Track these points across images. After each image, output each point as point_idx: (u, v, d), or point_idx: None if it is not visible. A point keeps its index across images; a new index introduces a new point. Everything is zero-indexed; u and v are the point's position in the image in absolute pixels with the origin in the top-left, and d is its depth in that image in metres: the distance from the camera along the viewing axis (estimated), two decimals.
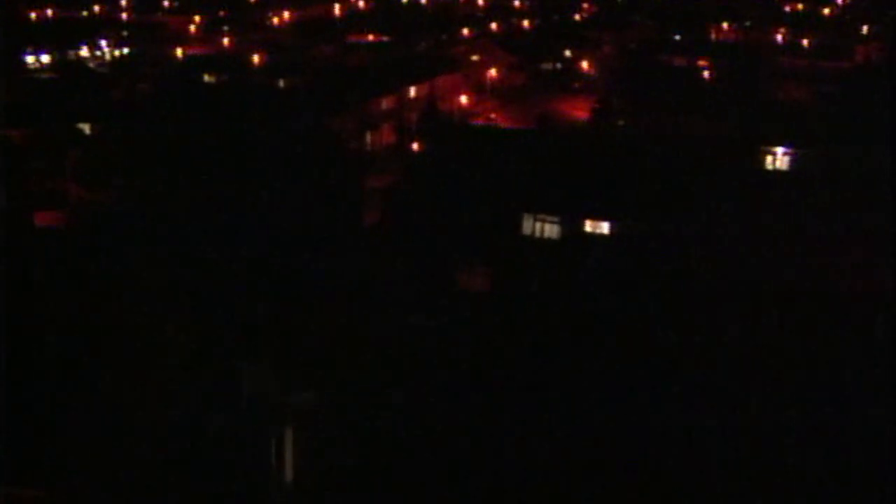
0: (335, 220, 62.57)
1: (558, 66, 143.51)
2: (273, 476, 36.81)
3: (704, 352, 46.79)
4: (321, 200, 64.29)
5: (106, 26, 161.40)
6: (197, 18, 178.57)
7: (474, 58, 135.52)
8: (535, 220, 61.46)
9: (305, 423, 38.09)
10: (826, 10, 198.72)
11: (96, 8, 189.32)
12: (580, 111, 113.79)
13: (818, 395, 43.49)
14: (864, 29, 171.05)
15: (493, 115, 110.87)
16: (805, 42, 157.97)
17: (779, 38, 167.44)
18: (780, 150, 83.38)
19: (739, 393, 43.56)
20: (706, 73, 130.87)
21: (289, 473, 37.11)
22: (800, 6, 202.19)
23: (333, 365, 42.41)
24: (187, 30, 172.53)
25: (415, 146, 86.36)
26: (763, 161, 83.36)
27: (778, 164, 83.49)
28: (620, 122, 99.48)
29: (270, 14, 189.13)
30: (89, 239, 57.18)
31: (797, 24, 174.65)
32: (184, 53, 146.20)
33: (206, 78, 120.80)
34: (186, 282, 49.59)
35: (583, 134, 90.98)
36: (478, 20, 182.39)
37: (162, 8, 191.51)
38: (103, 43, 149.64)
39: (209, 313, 45.98)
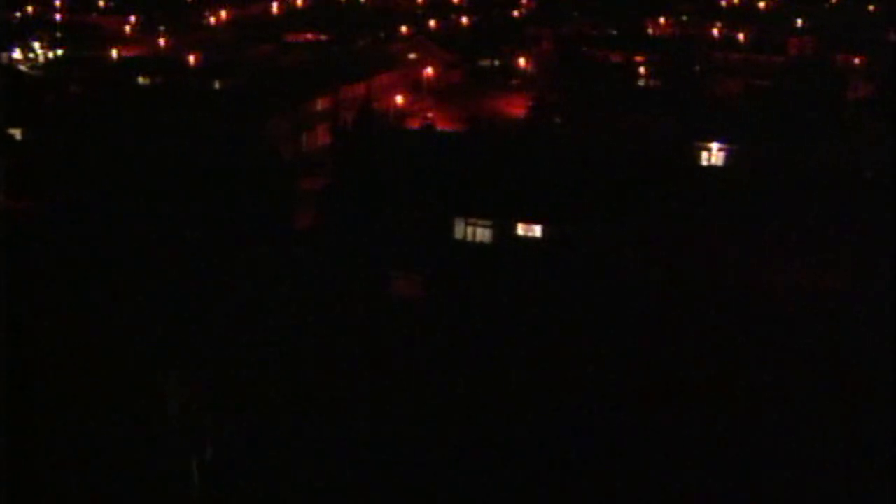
0: (267, 225, 61.97)
1: (496, 63, 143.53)
2: (195, 499, 36.29)
3: (641, 355, 46.87)
4: (253, 204, 63.65)
5: (39, 27, 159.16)
6: (132, 19, 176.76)
7: (412, 56, 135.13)
8: (467, 224, 61.15)
9: (229, 443, 37.64)
10: (762, 4, 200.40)
11: (29, 9, 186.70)
12: (517, 108, 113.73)
13: (753, 395, 43.86)
14: (798, 22, 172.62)
15: (429, 115, 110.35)
16: (741, 36, 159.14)
17: (715, 32, 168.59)
18: (714, 146, 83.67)
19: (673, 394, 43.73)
20: (642, 69, 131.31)
21: (212, 494, 36.60)
22: (736, 0, 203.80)
23: (260, 381, 42.02)
24: (122, 30, 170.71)
25: (349, 148, 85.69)
26: (698, 157, 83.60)
27: (713, 160, 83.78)
28: (557, 120, 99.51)
29: (207, 14, 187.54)
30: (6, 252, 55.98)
31: (733, 19, 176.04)
32: (119, 55, 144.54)
33: (141, 80, 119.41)
34: (110, 295, 48.89)
35: (516, 134, 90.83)
36: (416, 18, 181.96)
37: (97, 8, 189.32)
38: (36, 45, 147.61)
39: (133, 327, 45.34)
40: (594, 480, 38.46)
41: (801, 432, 41.32)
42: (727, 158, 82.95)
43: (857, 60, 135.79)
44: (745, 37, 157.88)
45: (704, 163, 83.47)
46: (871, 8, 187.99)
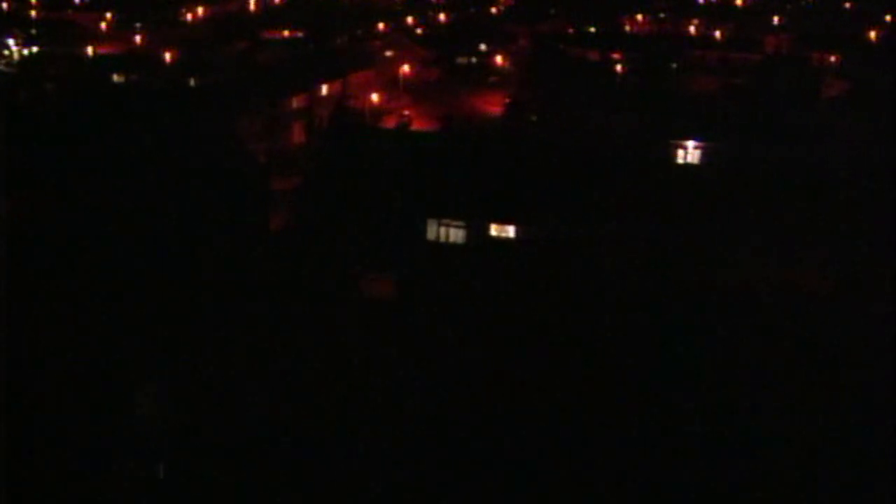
0: (239, 225, 61.61)
1: (473, 60, 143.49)
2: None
3: (615, 357, 46.76)
4: (225, 204, 63.26)
5: (14, 24, 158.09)
6: (108, 15, 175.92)
7: (389, 53, 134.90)
8: (440, 224, 60.89)
9: (197, 444, 37.39)
10: (739, 2, 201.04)
11: (4, 5, 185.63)
12: (494, 106, 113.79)
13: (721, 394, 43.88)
14: (775, 19, 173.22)
15: (406, 112, 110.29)
16: (718, 34, 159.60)
17: (692, 29, 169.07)
18: (691, 144, 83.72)
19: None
20: (619, 67, 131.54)
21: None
22: None
23: (229, 383, 41.72)
24: (98, 27, 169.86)
25: (323, 147, 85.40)
26: (674, 155, 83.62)
27: (689, 158, 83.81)
28: (533, 118, 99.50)
29: (184, 10, 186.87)
30: None
31: (710, 16, 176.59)
32: (94, 52, 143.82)
33: (116, 77, 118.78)
34: (79, 294, 48.47)
35: (491, 133, 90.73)
36: (393, 14, 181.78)
37: (72, 5, 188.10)
38: (11, 42, 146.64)
39: (102, 330, 44.93)
40: (566, 482, 38.37)
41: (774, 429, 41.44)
42: (703, 156, 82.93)
43: (832, 58, 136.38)
44: (722, 34, 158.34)
45: (680, 161, 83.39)
46: (847, 5, 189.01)
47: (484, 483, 38.22)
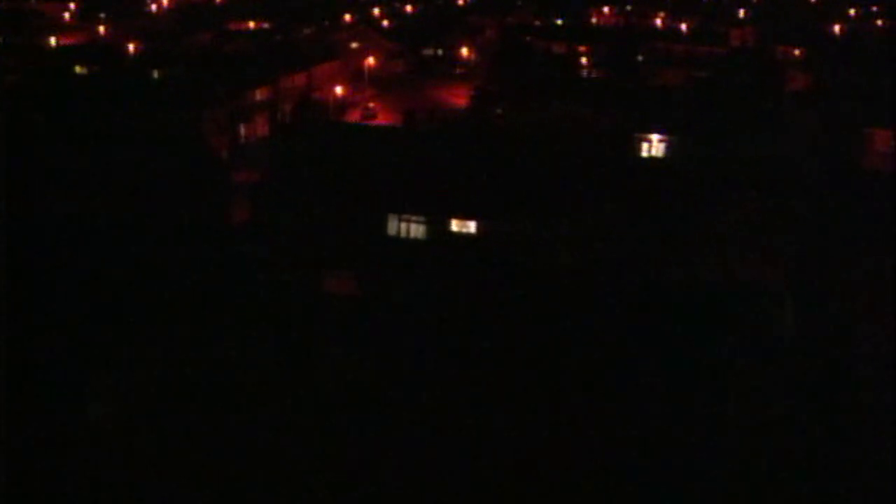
0: (198, 219, 61.06)
1: (439, 52, 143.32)
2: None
3: (576, 354, 46.65)
4: (185, 198, 62.75)
5: None
6: (72, 5, 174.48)
7: (355, 45, 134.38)
8: (400, 220, 60.54)
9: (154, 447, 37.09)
10: None
11: None
12: (460, 98, 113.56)
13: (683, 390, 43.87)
14: (741, 13, 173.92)
15: (371, 105, 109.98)
16: (683, 26, 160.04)
17: (658, 22, 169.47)
18: (655, 137, 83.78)
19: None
20: (585, 59, 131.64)
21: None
22: None
23: (187, 383, 41.42)
24: (61, 17, 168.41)
25: (285, 141, 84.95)
26: (639, 148, 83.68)
27: (654, 152, 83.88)
28: (498, 111, 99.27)
29: (149, 0, 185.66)
30: None
31: (676, 9, 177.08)
32: (57, 42, 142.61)
33: (78, 69, 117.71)
34: (33, 291, 47.95)
35: (454, 127, 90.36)
36: (360, 6, 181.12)
37: None
38: None
39: (54, 326, 44.48)
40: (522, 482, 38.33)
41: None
42: (667, 150, 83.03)
43: (796, 52, 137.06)
44: (688, 28, 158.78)
45: (645, 154, 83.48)
46: (811, 0, 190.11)
47: (452, 478, 38.18)
